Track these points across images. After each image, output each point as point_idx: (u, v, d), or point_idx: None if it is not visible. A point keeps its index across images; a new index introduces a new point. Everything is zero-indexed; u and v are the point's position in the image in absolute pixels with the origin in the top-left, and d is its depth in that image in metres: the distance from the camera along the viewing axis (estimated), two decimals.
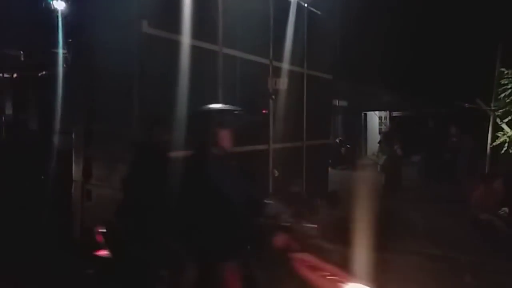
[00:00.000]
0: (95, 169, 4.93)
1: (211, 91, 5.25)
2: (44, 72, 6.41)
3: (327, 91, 8.10)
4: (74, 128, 5.15)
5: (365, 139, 19.87)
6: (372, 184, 11.83)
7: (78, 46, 5.24)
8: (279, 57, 6.52)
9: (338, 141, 15.71)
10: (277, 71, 6.52)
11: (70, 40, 5.46)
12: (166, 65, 4.68)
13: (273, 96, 6.25)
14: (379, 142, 13.27)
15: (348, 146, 16.42)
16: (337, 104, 16.28)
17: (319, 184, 7.61)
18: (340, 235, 4.29)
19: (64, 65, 5.69)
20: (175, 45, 4.79)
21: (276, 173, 6.41)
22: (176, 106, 4.67)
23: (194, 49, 4.90)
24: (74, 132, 5.14)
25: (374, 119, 20.66)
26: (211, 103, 2.65)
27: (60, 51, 5.79)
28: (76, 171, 5.09)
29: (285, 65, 6.68)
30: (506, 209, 6.53)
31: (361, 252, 4.09)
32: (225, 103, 2.97)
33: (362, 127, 20.04)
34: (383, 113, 20.39)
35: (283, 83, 6.56)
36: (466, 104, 8.66)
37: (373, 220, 7.76)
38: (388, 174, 11.35)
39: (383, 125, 20.30)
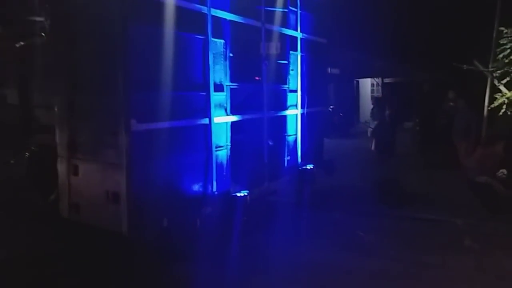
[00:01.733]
0: (81, 143, 4.67)
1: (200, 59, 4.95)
2: (22, 43, 6.00)
3: (323, 55, 7.78)
4: (56, 101, 4.85)
5: (358, 106, 19.93)
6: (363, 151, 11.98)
7: (56, 12, 4.85)
8: (271, 20, 6.17)
9: (330, 109, 15.59)
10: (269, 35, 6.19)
11: (47, 6, 5.05)
12: (154, 31, 4.35)
13: (266, 62, 5.94)
14: (372, 109, 13.18)
15: (340, 114, 16.35)
16: (329, 71, 16.08)
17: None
18: None
19: (43, 34, 5.29)
20: (162, 9, 4.44)
21: (271, 142, 6.19)
22: (164, 73, 4.38)
23: (179, 10, 4.55)
24: (57, 104, 4.85)
25: (367, 86, 20.71)
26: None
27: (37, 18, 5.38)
28: (61, 145, 4.83)
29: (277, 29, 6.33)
30: (504, 171, 6.47)
31: None
32: None
33: (354, 94, 20.04)
34: (376, 80, 20.39)
35: (276, 47, 6.25)
36: (464, 66, 8.44)
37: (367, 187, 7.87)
38: (378, 139, 11.30)
39: (375, 92, 20.36)
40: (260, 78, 6.07)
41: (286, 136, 6.77)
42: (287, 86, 6.70)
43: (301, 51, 6.96)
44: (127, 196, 4.26)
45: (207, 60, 5.00)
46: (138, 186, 4.29)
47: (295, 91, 6.93)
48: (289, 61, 6.69)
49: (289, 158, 6.85)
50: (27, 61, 5.73)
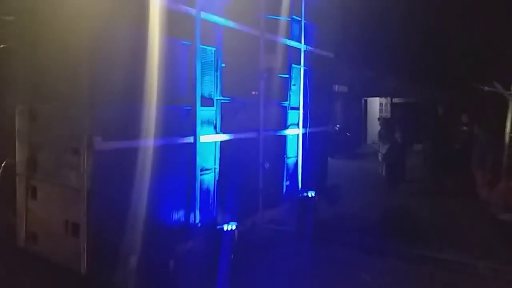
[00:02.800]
0: (41, 162, 3.98)
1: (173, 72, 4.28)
2: None
3: (328, 71, 7.10)
4: (18, 109, 4.18)
5: (365, 126, 19.31)
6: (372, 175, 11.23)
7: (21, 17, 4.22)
8: (271, 29, 5.52)
9: (336, 129, 14.88)
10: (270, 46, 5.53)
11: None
12: (127, 31, 3.69)
13: (264, 75, 5.27)
14: (379, 130, 12.49)
15: (347, 134, 15.63)
16: (337, 89, 15.48)
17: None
18: None
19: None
20: (140, 7, 3.79)
21: (267, 165, 5.49)
22: (138, 82, 3.70)
23: (161, 10, 3.89)
24: (17, 114, 4.17)
25: (375, 105, 20.14)
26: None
27: None
28: (20, 163, 4.14)
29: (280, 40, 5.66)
30: None
31: None
32: None
33: (362, 114, 19.43)
34: (384, 99, 19.78)
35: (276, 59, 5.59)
36: (486, 88, 7.71)
37: (376, 218, 7.09)
38: (389, 164, 10.63)
39: (383, 112, 19.76)
40: (257, 93, 5.38)
41: (286, 159, 6.06)
42: (287, 102, 6.02)
43: (305, 65, 6.29)
44: (87, 229, 3.54)
45: (194, 70, 4.32)
46: (100, 217, 3.57)
47: (297, 108, 6.25)
48: (290, 75, 6.03)
49: (288, 183, 6.13)
50: None
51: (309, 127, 6.51)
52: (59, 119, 3.81)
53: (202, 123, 4.49)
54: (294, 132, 6.23)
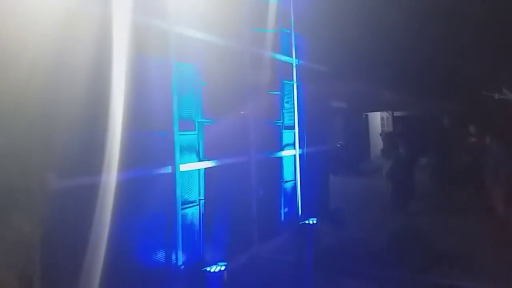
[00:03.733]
0: None
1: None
2: None
3: (324, 85, 6.60)
4: None
5: (368, 142, 18.88)
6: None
7: None
8: (258, 42, 5.03)
9: (338, 145, 14.35)
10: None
11: None
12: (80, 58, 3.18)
13: (252, 92, 4.75)
14: (383, 147, 12.05)
15: (348, 150, 15.13)
16: (335, 105, 15.03)
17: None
18: None
19: None
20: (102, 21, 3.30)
21: (261, 192, 4.91)
22: (91, 106, 3.17)
23: (128, 24, 3.39)
24: None
25: (377, 120, 19.75)
26: None
27: None
28: None
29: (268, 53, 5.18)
30: None
31: None
32: None
33: (364, 129, 19.01)
34: (386, 113, 19.38)
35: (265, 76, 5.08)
36: (496, 95, 7.18)
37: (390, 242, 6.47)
38: (396, 182, 10.08)
39: (385, 126, 19.40)
40: (245, 112, 4.85)
41: (282, 183, 5.47)
42: (281, 121, 5.47)
43: (297, 80, 5.78)
44: (41, 282, 2.95)
45: (169, 90, 3.80)
46: (57, 268, 2.98)
47: (292, 127, 5.71)
48: (282, 92, 5.50)
49: (286, 210, 5.53)
50: None
51: (306, 147, 5.95)
52: (6, 152, 3.26)
53: (182, 149, 3.94)
54: (290, 153, 5.67)
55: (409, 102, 16.55)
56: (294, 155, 5.79)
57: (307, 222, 5.73)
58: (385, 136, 12.54)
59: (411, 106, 17.13)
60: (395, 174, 9.92)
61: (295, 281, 5.23)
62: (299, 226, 5.63)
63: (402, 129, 15.54)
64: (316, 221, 5.83)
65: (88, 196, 3.12)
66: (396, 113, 19.01)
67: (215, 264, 4.00)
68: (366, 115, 19.28)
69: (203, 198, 4.17)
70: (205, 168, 4.20)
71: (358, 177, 14.26)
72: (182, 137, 3.94)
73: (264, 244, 4.96)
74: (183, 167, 3.91)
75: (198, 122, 4.14)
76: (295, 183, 5.79)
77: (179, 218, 3.85)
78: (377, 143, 16.68)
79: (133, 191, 3.47)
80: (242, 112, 4.86)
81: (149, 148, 3.67)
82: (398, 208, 9.02)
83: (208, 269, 3.88)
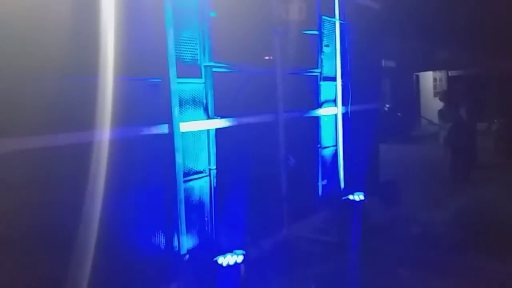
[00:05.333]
0: None
1: None
2: None
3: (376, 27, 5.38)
4: None
5: (419, 105, 17.93)
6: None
7: None
8: None
9: (386, 109, 13.44)
10: None
11: None
12: None
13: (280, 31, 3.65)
14: (440, 109, 10.99)
15: (398, 114, 14.21)
16: (383, 64, 14.01)
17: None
18: None
19: None
20: None
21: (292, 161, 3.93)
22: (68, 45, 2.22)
23: None
24: None
25: (429, 80, 18.73)
26: None
27: None
28: None
29: None
30: None
31: None
32: None
33: (414, 91, 18.01)
34: (439, 74, 18.28)
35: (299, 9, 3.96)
36: None
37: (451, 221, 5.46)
38: (456, 148, 9.06)
39: (438, 88, 18.57)
40: (271, 58, 3.79)
41: (319, 149, 4.47)
42: (318, 70, 4.39)
43: (341, 18, 4.60)
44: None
45: (161, 21, 2.78)
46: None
47: (333, 79, 4.62)
48: (321, 32, 4.37)
49: (325, 183, 4.55)
50: None
51: (351, 105, 4.86)
52: None
53: (184, 103, 2.97)
54: (331, 112, 4.62)
55: (467, 60, 15.22)
56: (335, 115, 4.76)
57: (350, 197, 4.76)
58: (443, 96, 11.41)
59: (469, 65, 15.78)
60: (456, 141, 8.88)
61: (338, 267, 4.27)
62: (341, 203, 4.67)
63: (463, 89, 14.51)
64: (363, 196, 4.81)
65: (60, 160, 2.24)
66: (451, 73, 17.76)
67: (230, 252, 3.09)
68: (417, 76, 17.98)
69: (214, 167, 3.22)
70: (216, 129, 3.22)
71: (410, 143, 13.27)
72: (183, 86, 2.96)
73: (296, 225, 4.00)
74: (184, 126, 2.95)
75: (204, 66, 3.12)
76: (336, 150, 4.83)
77: (181, 193, 2.93)
78: (429, 105, 15.61)
79: (117, 158, 2.56)
80: (266, 57, 3.80)
81: (137, 100, 2.71)
82: (459, 180, 8.08)
83: (220, 258, 2.97)
